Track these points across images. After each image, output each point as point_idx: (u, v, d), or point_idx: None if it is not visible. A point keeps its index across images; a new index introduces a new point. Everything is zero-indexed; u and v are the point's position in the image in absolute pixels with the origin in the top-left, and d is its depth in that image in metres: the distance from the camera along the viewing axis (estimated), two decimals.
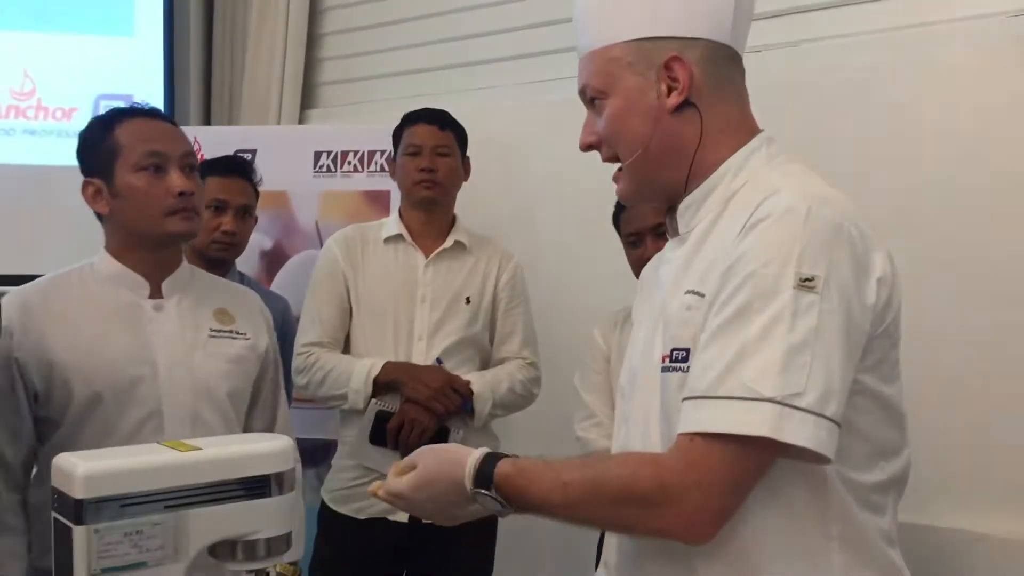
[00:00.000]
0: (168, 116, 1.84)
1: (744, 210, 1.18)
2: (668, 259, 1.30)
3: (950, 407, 2.13)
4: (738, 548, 1.15)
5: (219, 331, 1.79)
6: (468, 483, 1.19)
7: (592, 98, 1.29)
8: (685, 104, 1.23)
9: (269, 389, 1.92)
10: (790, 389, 1.06)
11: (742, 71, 1.29)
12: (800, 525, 1.16)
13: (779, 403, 1.06)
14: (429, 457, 1.25)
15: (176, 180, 1.69)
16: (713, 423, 1.09)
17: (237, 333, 1.81)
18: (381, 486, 1.29)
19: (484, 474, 1.19)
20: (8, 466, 1.68)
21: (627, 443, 1.28)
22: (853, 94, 2.36)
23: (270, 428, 1.91)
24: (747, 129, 1.29)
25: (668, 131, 1.24)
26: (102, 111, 1.83)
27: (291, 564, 1.98)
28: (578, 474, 1.16)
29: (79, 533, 1.15)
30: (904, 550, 1.24)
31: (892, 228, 2.10)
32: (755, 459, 1.11)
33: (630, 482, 1.12)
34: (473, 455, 1.21)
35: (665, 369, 1.20)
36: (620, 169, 1.30)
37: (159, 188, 1.69)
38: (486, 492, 1.18)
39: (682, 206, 1.28)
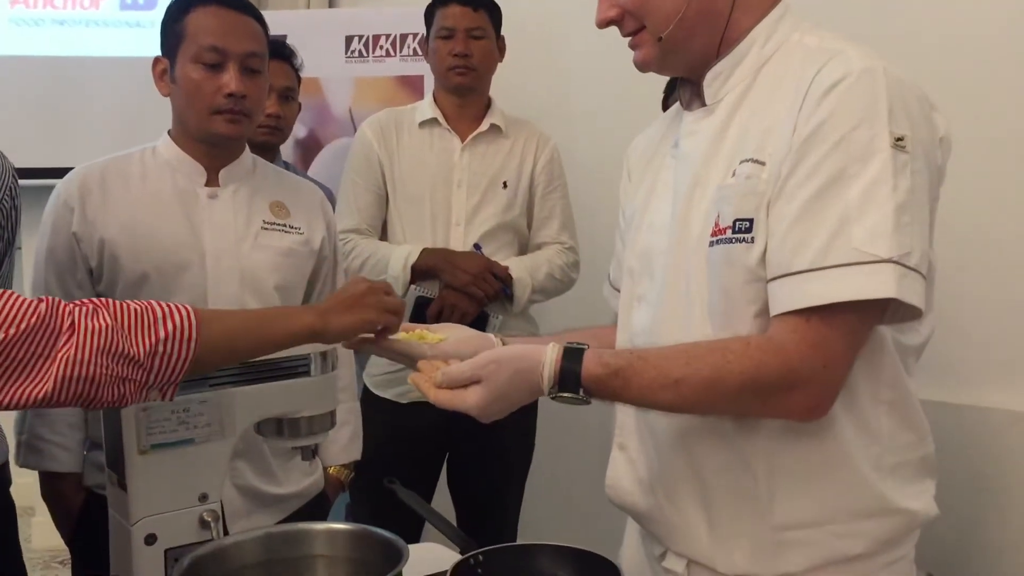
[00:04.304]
0: (248, 7, 1.71)
1: (794, 75, 1.14)
2: (691, 131, 1.25)
3: (997, 288, 2.09)
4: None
5: (272, 224, 1.78)
6: (547, 388, 1.13)
7: None
8: None
9: (324, 285, 1.91)
10: (903, 248, 1.05)
11: None
12: (854, 391, 1.15)
13: (897, 263, 1.04)
14: (496, 372, 1.14)
15: (229, 80, 1.64)
16: (834, 293, 1.05)
17: (291, 227, 1.80)
18: (423, 380, 1.18)
19: (569, 377, 1.12)
20: None
21: (654, 325, 1.25)
22: None
23: None
24: None
25: None
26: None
27: (343, 467, 2.04)
28: (691, 370, 1.10)
29: (127, 411, 1.18)
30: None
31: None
32: (869, 324, 1.10)
33: (756, 374, 1.08)
34: (548, 358, 1.13)
35: (720, 242, 1.15)
36: (637, 34, 1.24)
37: (211, 85, 1.65)
38: (570, 395, 1.12)
39: (709, 76, 1.23)
